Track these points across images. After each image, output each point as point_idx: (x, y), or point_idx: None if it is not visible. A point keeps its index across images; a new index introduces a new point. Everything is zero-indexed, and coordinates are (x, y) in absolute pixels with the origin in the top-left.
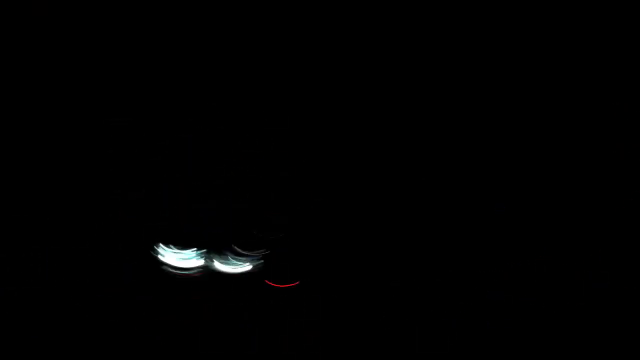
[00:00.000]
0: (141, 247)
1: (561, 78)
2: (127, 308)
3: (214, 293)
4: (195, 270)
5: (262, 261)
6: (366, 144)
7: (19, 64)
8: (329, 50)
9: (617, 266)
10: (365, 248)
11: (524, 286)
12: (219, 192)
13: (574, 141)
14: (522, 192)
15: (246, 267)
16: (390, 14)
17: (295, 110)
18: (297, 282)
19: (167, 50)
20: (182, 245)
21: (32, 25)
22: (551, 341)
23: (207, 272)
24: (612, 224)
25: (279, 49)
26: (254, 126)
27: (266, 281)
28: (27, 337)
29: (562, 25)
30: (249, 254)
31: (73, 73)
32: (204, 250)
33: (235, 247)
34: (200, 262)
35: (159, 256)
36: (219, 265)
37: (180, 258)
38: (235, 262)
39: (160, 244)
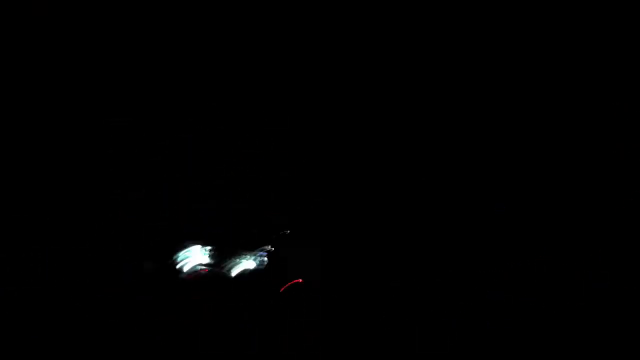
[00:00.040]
0: (141, 247)
1: (561, 78)
2: (127, 308)
3: (214, 293)
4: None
5: (264, 260)
6: (366, 144)
7: (19, 64)
8: (328, 50)
9: (617, 266)
10: (365, 248)
11: (524, 286)
12: (219, 192)
13: (574, 141)
14: (522, 192)
15: (249, 265)
16: (391, 14)
17: (295, 110)
18: (300, 280)
19: (167, 51)
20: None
21: (32, 25)
22: (551, 341)
23: (213, 271)
24: (612, 224)
25: (279, 49)
26: (254, 126)
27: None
28: (27, 337)
29: (562, 25)
30: (249, 253)
31: (73, 73)
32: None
33: (237, 247)
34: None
35: (185, 257)
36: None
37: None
38: (237, 261)
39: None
